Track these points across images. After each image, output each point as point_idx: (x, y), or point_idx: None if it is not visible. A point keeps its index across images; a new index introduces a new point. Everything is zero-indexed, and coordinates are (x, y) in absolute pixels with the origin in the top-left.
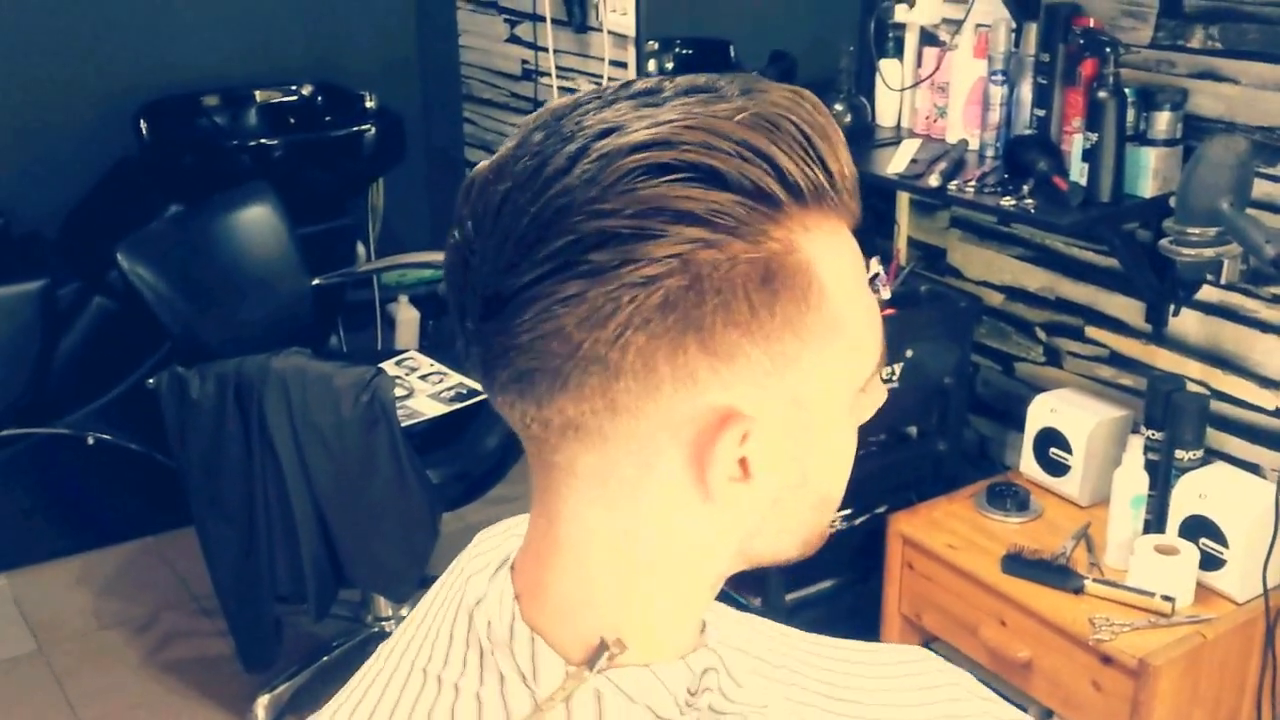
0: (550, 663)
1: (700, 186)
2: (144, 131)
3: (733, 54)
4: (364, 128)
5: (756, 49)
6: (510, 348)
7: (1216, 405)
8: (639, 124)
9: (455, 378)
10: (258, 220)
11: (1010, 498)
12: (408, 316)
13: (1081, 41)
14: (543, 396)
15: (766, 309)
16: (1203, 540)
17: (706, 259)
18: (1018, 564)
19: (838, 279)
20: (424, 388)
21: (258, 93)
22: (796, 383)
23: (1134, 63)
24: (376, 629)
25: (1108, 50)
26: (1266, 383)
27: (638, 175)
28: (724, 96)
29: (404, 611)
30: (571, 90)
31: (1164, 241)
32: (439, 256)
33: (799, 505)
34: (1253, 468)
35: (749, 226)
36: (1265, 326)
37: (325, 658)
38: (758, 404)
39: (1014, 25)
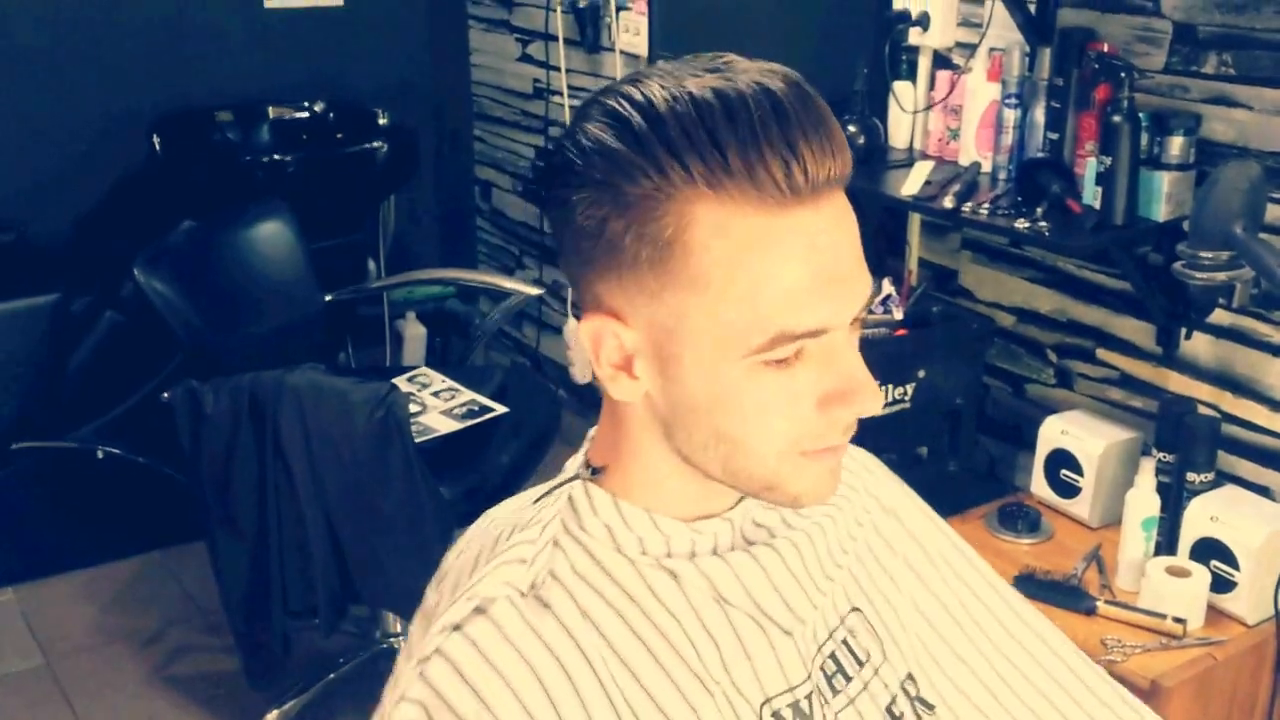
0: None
1: (622, 144)
2: (157, 146)
3: None
4: (376, 145)
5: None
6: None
7: (1228, 428)
8: (655, 85)
9: (467, 394)
10: (272, 235)
11: (1021, 519)
12: (415, 333)
13: (1096, 66)
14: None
15: (634, 252)
16: (1214, 562)
17: (609, 202)
18: (1030, 585)
19: (707, 246)
20: (436, 404)
21: (271, 109)
22: (662, 313)
23: (1148, 87)
24: (385, 645)
25: (1122, 75)
26: (1278, 406)
27: (603, 123)
28: (727, 71)
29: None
30: None
31: (1177, 265)
32: (449, 273)
33: (699, 425)
34: (1263, 490)
35: (641, 190)
36: (1277, 350)
37: (333, 674)
38: (634, 317)
39: (1028, 49)
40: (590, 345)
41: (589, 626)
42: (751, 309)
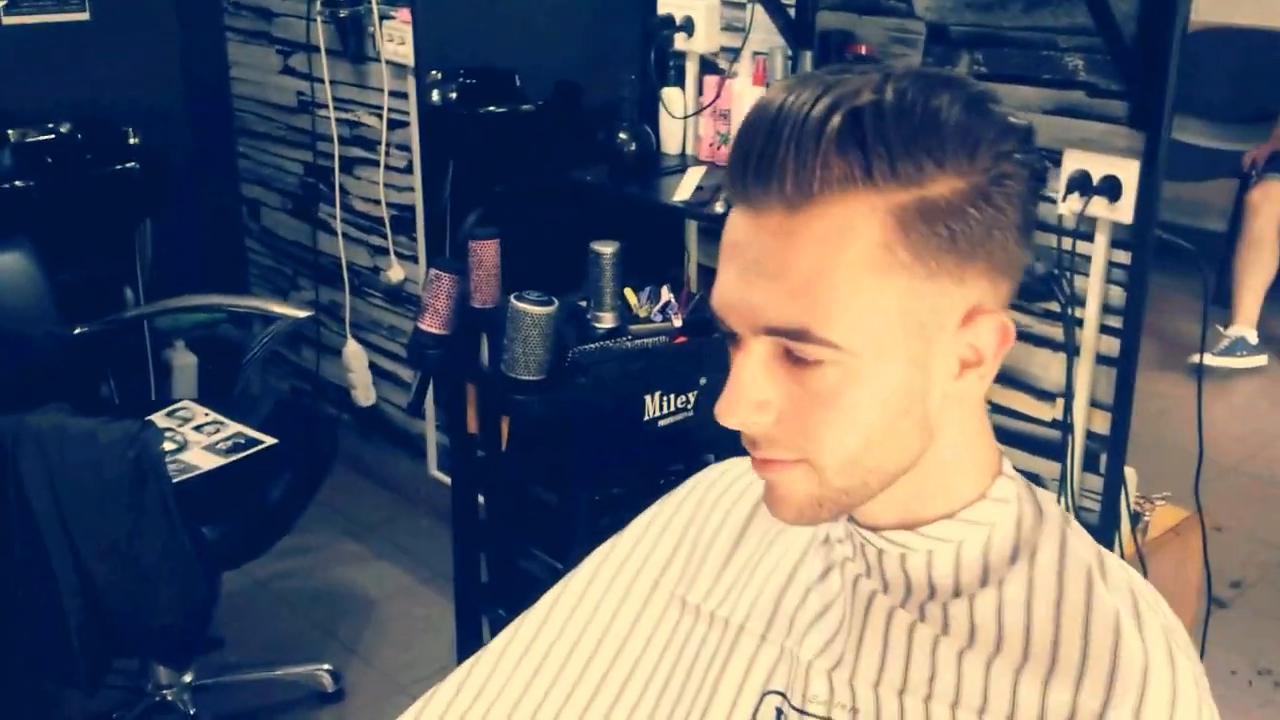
0: None
1: None
2: None
3: (518, 82)
4: (127, 166)
5: (541, 78)
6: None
7: (996, 419)
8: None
9: (233, 426)
10: (8, 268)
11: None
12: (184, 362)
13: None
14: None
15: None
16: None
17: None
18: None
19: None
20: (199, 439)
21: (11, 132)
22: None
23: None
24: (158, 697)
25: None
26: (1043, 395)
27: None
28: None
29: (186, 678)
30: (351, 122)
31: None
32: (211, 299)
33: None
34: (1035, 479)
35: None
36: (1039, 340)
37: None
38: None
39: (790, 52)
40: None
41: None
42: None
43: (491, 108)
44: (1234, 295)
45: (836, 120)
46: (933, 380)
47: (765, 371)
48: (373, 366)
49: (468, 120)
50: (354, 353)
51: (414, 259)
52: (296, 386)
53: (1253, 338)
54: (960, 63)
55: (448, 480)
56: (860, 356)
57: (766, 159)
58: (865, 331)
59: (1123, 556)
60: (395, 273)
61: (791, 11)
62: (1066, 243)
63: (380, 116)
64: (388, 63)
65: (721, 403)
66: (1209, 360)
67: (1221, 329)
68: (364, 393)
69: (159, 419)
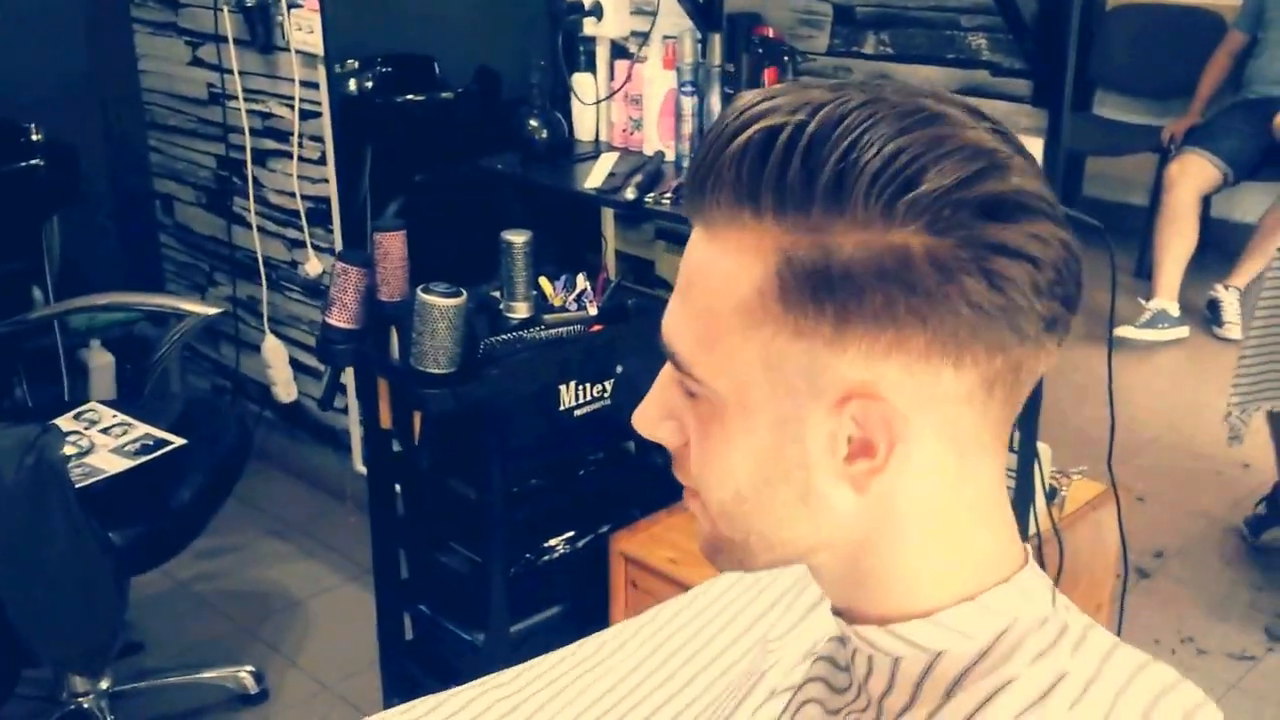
0: None
1: None
2: None
3: (437, 71)
4: (30, 163)
5: (460, 65)
6: None
7: None
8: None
9: (141, 428)
10: None
11: None
12: (101, 362)
13: (761, 50)
14: None
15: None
16: None
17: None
18: None
19: None
20: (105, 441)
21: None
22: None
23: (813, 69)
24: (73, 705)
25: (785, 59)
26: None
27: None
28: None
29: (102, 684)
30: (263, 114)
31: None
32: (119, 297)
33: None
34: None
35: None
36: None
37: None
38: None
39: (699, 36)
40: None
41: None
42: None
43: (410, 96)
44: (1155, 268)
45: (742, 140)
46: (811, 455)
47: (671, 390)
48: (293, 362)
49: (385, 109)
50: (273, 348)
51: (331, 251)
52: (216, 384)
53: (1174, 310)
54: (866, 43)
55: None
56: (725, 401)
57: (699, 173)
58: (729, 376)
59: (1038, 533)
60: (313, 266)
61: None
62: None
63: (292, 107)
64: (297, 52)
65: (636, 411)
66: (1131, 333)
67: (1143, 302)
68: (284, 389)
69: (64, 422)
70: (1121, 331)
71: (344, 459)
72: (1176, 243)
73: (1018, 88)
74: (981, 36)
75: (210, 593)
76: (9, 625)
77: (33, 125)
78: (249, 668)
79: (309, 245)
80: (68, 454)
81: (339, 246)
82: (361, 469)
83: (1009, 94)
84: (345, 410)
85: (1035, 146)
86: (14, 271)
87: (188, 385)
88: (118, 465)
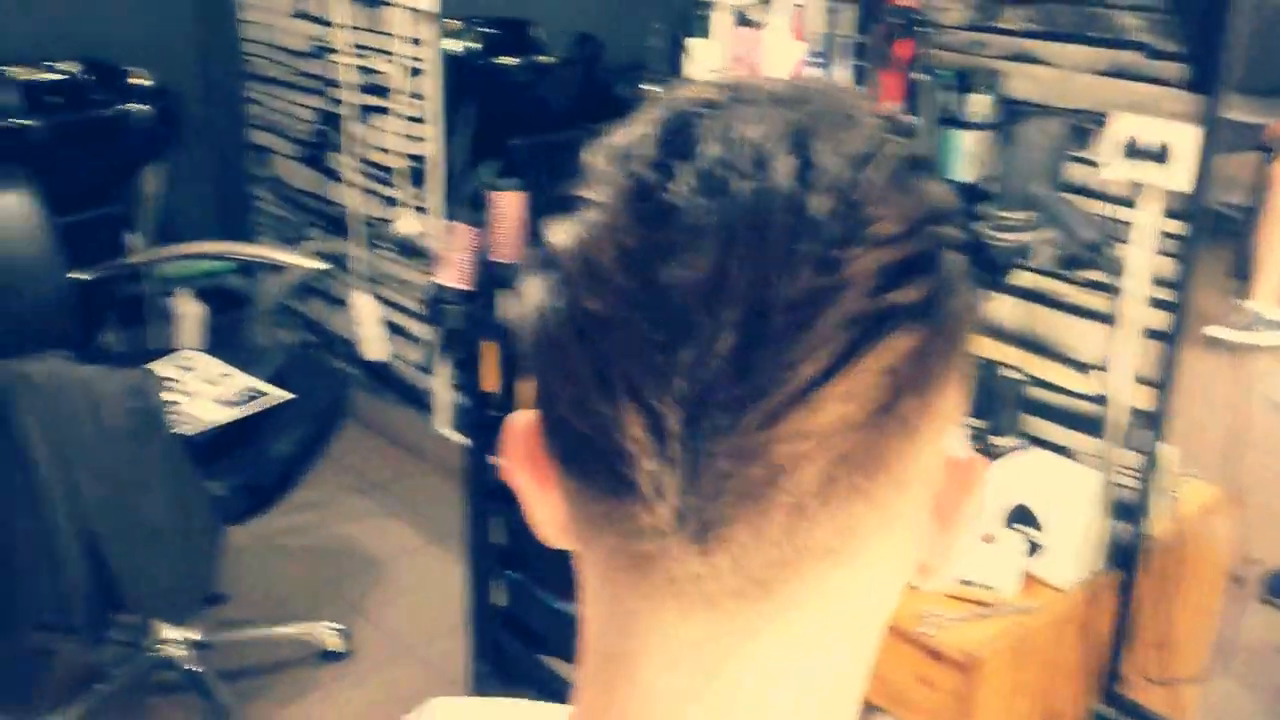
0: None
1: None
2: None
3: (534, 34)
4: (135, 108)
5: (560, 30)
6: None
7: (1031, 390)
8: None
9: (241, 379)
10: (9, 209)
11: None
12: (190, 311)
13: (896, 21)
14: (792, 511)
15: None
16: (1023, 527)
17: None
18: None
19: None
20: (205, 390)
21: (15, 70)
22: None
23: (948, 44)
24: (159, 653)
25: (924, 31)
26: (1081, 367)
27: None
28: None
29: (188, 635)
30: (367, 69)
31: (980, 226)
32: (219, 246)
33: None
34: (1064, 451)
35: None
36: (1079, 311)
37: (101, 685)
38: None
39: (830, 6)
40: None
41: None
42: None
43: (509, 59)
44: (1254, 269)
45: None
46: None
47: None
48: (385, 321)
49: (485, 71)
50: (363, 305)
51: (426, 211)
52: (304, 339)
53: (1272, 313)
54: (1006, 18)
55: (457, 437)
56: None
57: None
58: None
59: (1158, 537)
60: (407, 224)
61: None
62: (1111, 209)
63: (396, 64)
64: (406, 8)
65: None
66: (1228, 334)
67: (1241, 303)
68: (373, 346)
69: (161, 367)
70: (1218, 332)
71: (427, 420)
72: (1277, 244)
73: (1169, 71)
74: (1133, 15)
75: (294, 547)
76: (104, 570)
77: (138, 71)
78: (333, 624)
79: (405, 203)
80: (168, 400)
81: (435, 206)
82: (445, 430)
83: (1159, 78)
84: (429, 370)
85: (1185, 134)
86: (109, 216)
87: (277, 339)
88: (221, 415)
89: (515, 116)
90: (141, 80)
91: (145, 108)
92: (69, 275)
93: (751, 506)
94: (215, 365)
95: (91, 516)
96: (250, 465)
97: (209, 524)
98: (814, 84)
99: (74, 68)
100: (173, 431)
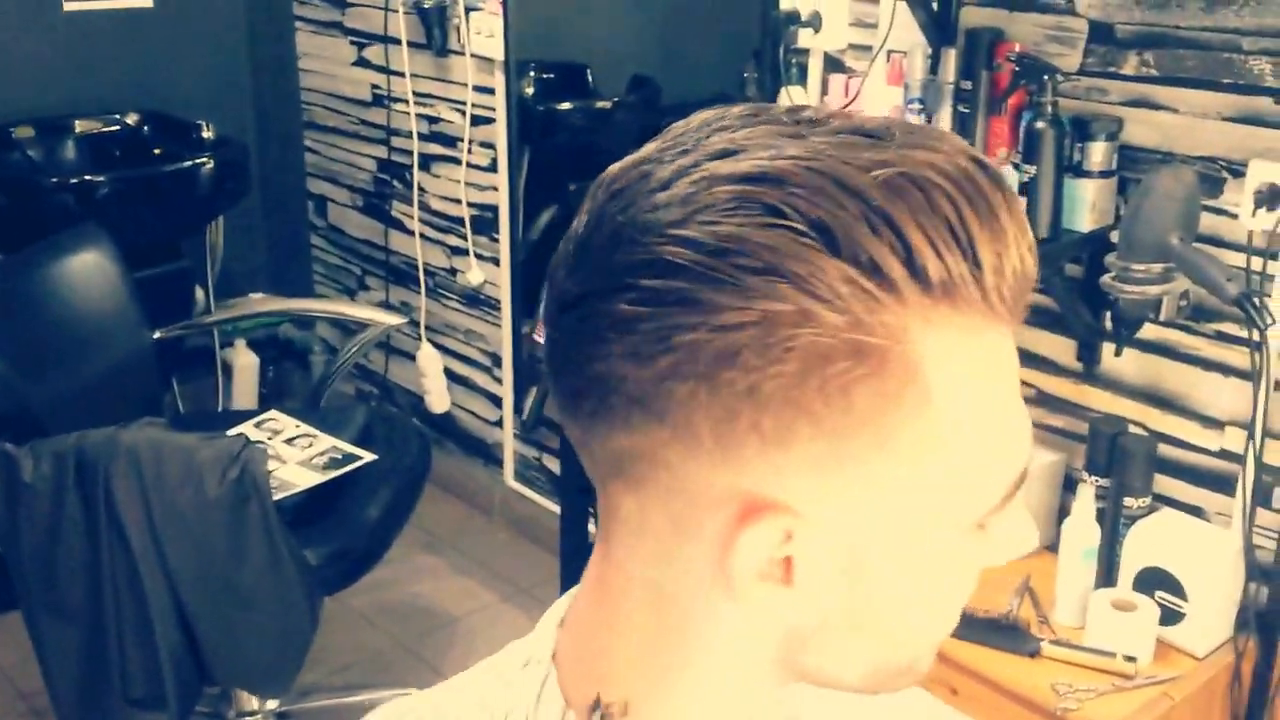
0: (551, 706)
1: (800, 242)
2: None
3: (590, 79)
4: (201, 160)
5: (617, 73)
6: (570, 359)
7: (1159, 447)
8: (762, 152)
9: (326, 440)
10: (89, 268)
11: None
12: (246, 362)
13: (1016, 68)
14: (588, 421)
15: (843, 398)
16: (1159, 593)
17: (784, 323)
18: (966, 625)
19: (954, 388)
20: (292, 454)
21: (78, 123)
22: (867, 491)
23: (1064, 91)
24: None
25: (1045, 78)
26: (1209, 423)
27: (732, 209)
28: (879, 142)
29: (269, 705)
30: (431, 118)
31: (1106, 278)
32: (292, 304)
33: (868, 636)
34: (1196, 511)
35: (848, 303)
36: (1208, 364)
37: None
38: (813, 501)
39: (930, 51)
40: (718, 551)
41: None
42: (999, 454)
43: (566, 104)
44: None
45: (997, 172)
46: None
47: None
48: (447, 371)
49: (543, 117)
50: (429, 357)
51: (495, 261)
52: (361, 390)
53: None
54: (1126, 64)
55: (526, 491)
56: None
57: (1025, 239)
58: None
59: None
60: (474, 274)
61: (935, 6)
62: (1255, 262)
63: (462, 112)
64: (473, 56)
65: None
66: None
67: None
68: (438, 399)
69: (249, 429)
70: None
71: (495, 473)
72: None
73: None
74: (1266, 61)
75: (367, 608)
76: (198, 643)
77: (202, 123)
78: (414, 689)
79: (471, 253)
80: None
81: (504, 255)
82: (514, 483)
83: None
84: (500, 424)
85: None
86: (179, 271)
87: (350, 397)
88: (307, 479)
89: (575, 161)
90: (206, 133)
91: (211, 160)
92: (150, 334)
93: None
94: (298, 426)
95: (184, 588)
96: (341, 531)
97: (306, 595)
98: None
99: (134, 118)
100: (272, 501)
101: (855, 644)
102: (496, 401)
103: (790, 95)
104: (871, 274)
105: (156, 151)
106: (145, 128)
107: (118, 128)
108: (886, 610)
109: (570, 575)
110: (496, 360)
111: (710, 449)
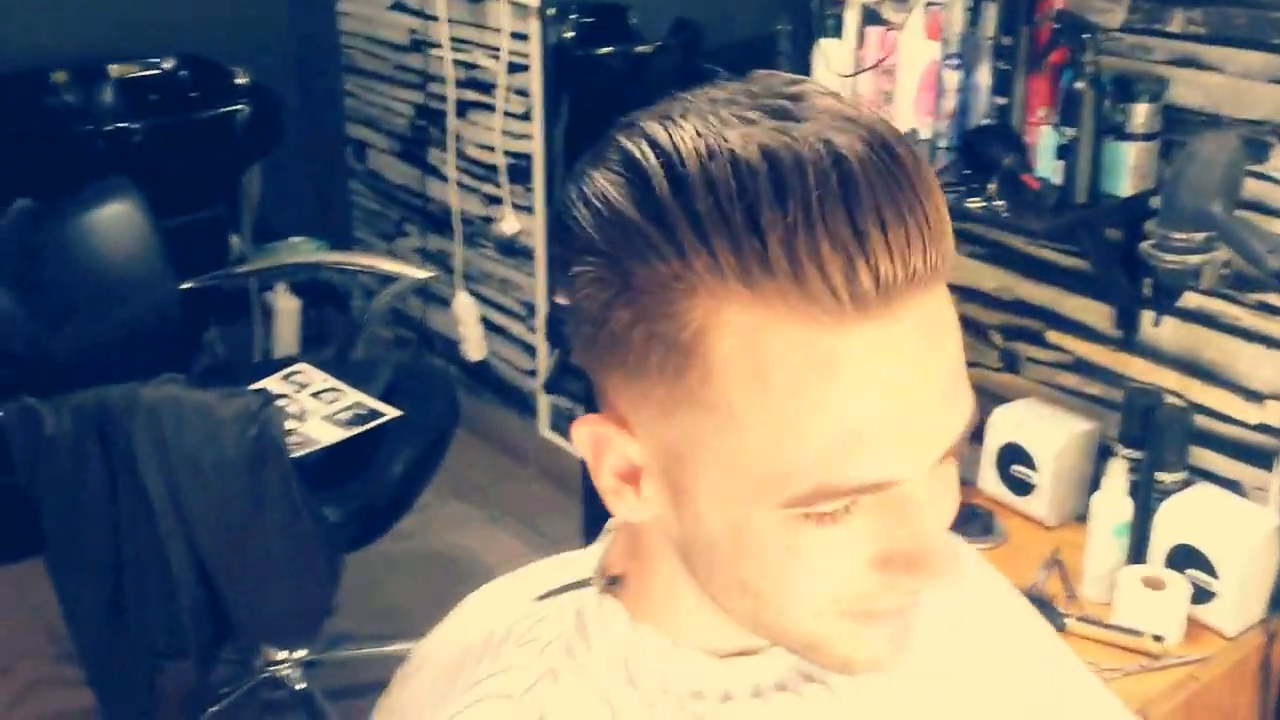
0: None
1: (635, 209)
2: None
3: (631, 20)
4: (236, 107)
5: (656, 15)
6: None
7: (1195, 419)
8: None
9: (352, 395)
10: (116, 218)
11: (974, 521)
12: (287, 306)
13: (1056, 25)
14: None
15: (642, 352)
16: (1190, 571)
17: (628, 281)
18: None
19: (732, 361)
20: (317, 408)
21: (113, 68)
22: (672, 434)
23: (1107, 48)
24: (267, 674)
25: (1085, 36)
26: (1251, 395)
27: (617, 175)
28: (782, 123)
29: (297, 654)
30: (468, 64)
31: (1145, 245)
32: (326, 257)
33: (719, 567)
34: (1233, 485)
35: (654, 274)
36: (1250, 335)
37: (213, 708)
38: (640, 429)
39: (970, 4)
40: (589, 449)
41: None
42: (788, 452)
43: (607, 48)
44: None
45: (900, 150)
46: None
47: None
48: (483, 320)
49: (583, 61)
50: (465, 305)
51: (529, 210)
52: (400, 337)
53: None
54: (1172, 21)
55: (560, 441)
56: None
57: (897, 229)
58: None
59: None
60: (509, 224)
61: None
62: None
63: (497, 59)
64: (509, 1)
65: (946, 560)
66: None
67: None
68: (474, 347)
69: (274, 383)
70: None
71: (529, 423)
72: None
73: None
74: None
75: (400, 555)
76: (218, 599)
77: (238, 68)
78: None
79: (507, 202)
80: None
81: (539, 205)
82: (548, 434)
83: None
84: (534, 374)
85: None
86: (214, 218)
87: (384, 349)
88: (331, 435)
89: (615, 106)
90: (241, 79)
91: (246, 107)
92: (178, 285)
93: None
94: (324, 380)
95: (204, 544)
96: (363, 489)
97: (325, 552)
98: None
99: (171, 63)
100: (291, 461)
101: (720, 579)
102: (531, 351)
103: (826, 50)
104: (675, 249)
105: (192, 96)
106: (181, 72)
107: (154, 72)
108: (721, 550)
109: (592, 522)
110: (531, 310)
111: (621, 376)
